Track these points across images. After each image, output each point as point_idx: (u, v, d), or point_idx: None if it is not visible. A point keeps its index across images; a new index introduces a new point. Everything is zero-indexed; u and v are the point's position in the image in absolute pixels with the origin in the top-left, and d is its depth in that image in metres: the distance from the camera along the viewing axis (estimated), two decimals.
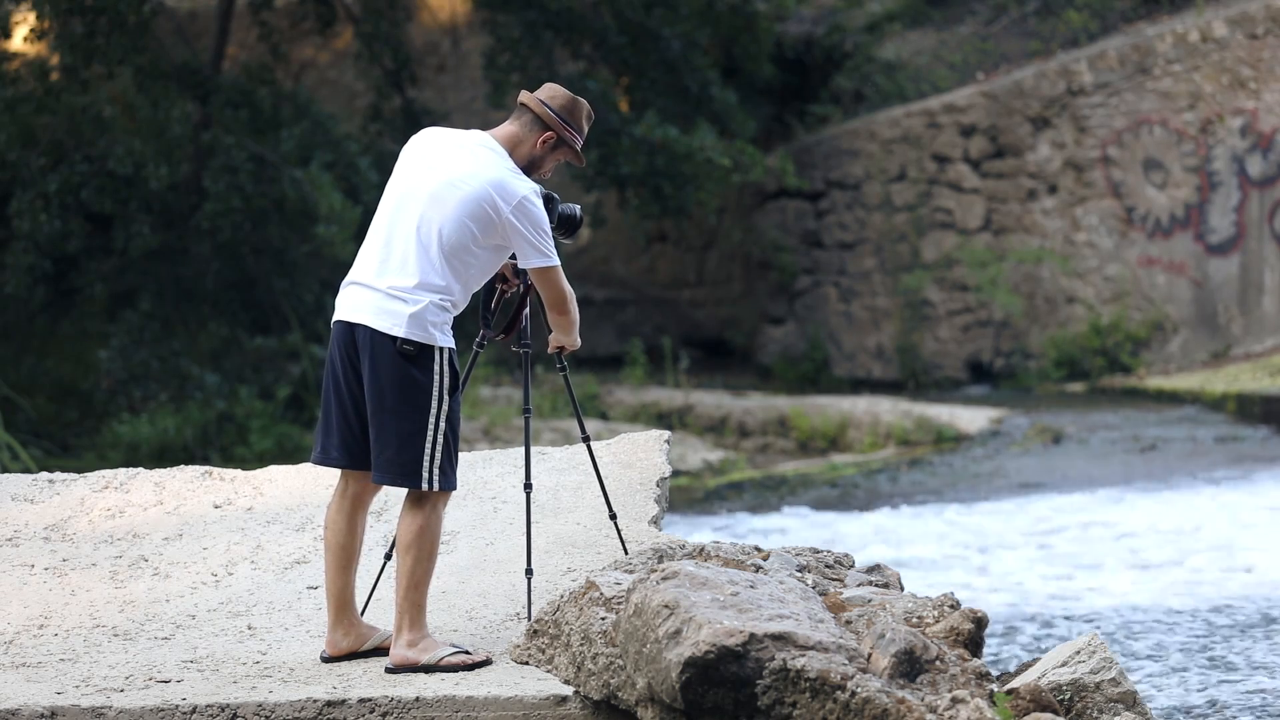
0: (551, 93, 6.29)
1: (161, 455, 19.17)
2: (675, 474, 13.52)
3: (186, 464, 8.43)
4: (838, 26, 26.51)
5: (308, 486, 7.95)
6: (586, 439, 6.88)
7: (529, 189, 6.12)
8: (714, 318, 27.13)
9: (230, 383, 21.13)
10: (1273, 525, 13.48)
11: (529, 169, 6.24)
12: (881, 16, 26.50)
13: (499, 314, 6.59)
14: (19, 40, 23.23)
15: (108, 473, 8.14)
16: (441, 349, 6.06)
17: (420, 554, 6.05)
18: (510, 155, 6.20)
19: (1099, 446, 17.99)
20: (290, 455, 18.61)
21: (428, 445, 6.03)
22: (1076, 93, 23.08)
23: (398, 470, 6.05)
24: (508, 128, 6.26)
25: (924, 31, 26.15)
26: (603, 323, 26.58)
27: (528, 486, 6.50)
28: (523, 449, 6.68)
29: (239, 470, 8.25)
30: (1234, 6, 22.92)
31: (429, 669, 5.98)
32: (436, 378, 6.05)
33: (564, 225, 6.56)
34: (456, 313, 6.13)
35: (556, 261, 6.16)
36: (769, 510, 15.70)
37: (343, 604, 6.19)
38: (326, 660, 6.16)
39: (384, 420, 6.04)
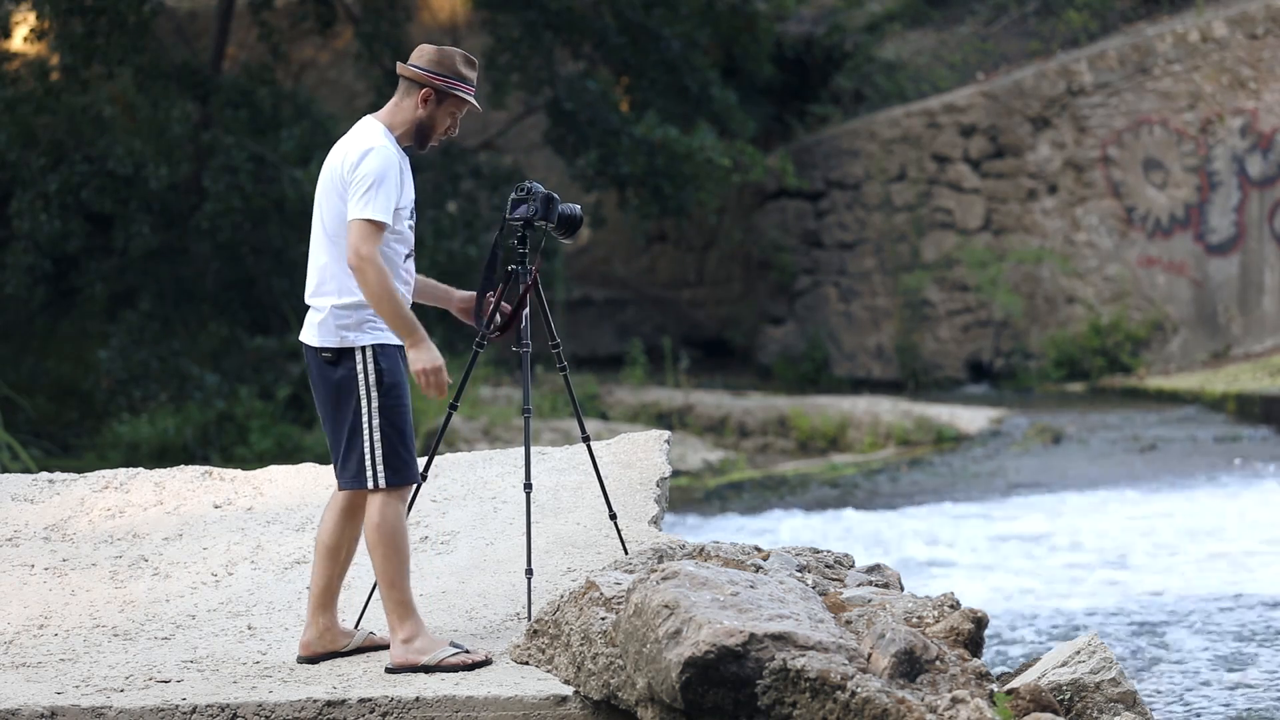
0: (419, 52, 6.22)
1: (161, 455, 19.18)
2: (675, 474, 13.53)
3: (186, 464, 8.43)
4: (838, 26, 26.51)
5: (308, 486, 7.95)
6: (586, 439, 6.86)
7: (377, 144, 6.03)
8: (714, 318, 27.13)
9: (230, 383, 21.13)
10: (1273, 525, 13.48)
11: (423, 132, 6.16)
12: (881, 16, 26.50)
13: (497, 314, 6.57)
14: (19, 40, 23.24)
15: (108, 473, 8.13)
16: (363, 348, 6.05)
17: (385, 551, 6.06)
18: (392, 126, 6.14)
19: (1099, 446, 17.98)
20: (290, 455, 18.61)
21: (366, 444, 6.04)
22: (1076, 93, 23.08)
23: (350, 475, 6.10)
24: (390, 102, 6.22)
25: (924, 31, 26.15)
26: (603, 323, 26.58)
27: (528, 486, 6.48)
28: (523, 449, 6.67)
29: (239, 470, 8.25)
30: (1234, 6, 22.92)
31: (429, 669, 5.98)
32: (361, 376, 6.05)
33: (564, 225, 6.55)
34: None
35: (373, 217, 5.93)
36: (769, 510, 15.70)
37: (319, 604, 6.20)
38: (300, 661, 6.16)
39: (329, 429, 6.14)
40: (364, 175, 5.98)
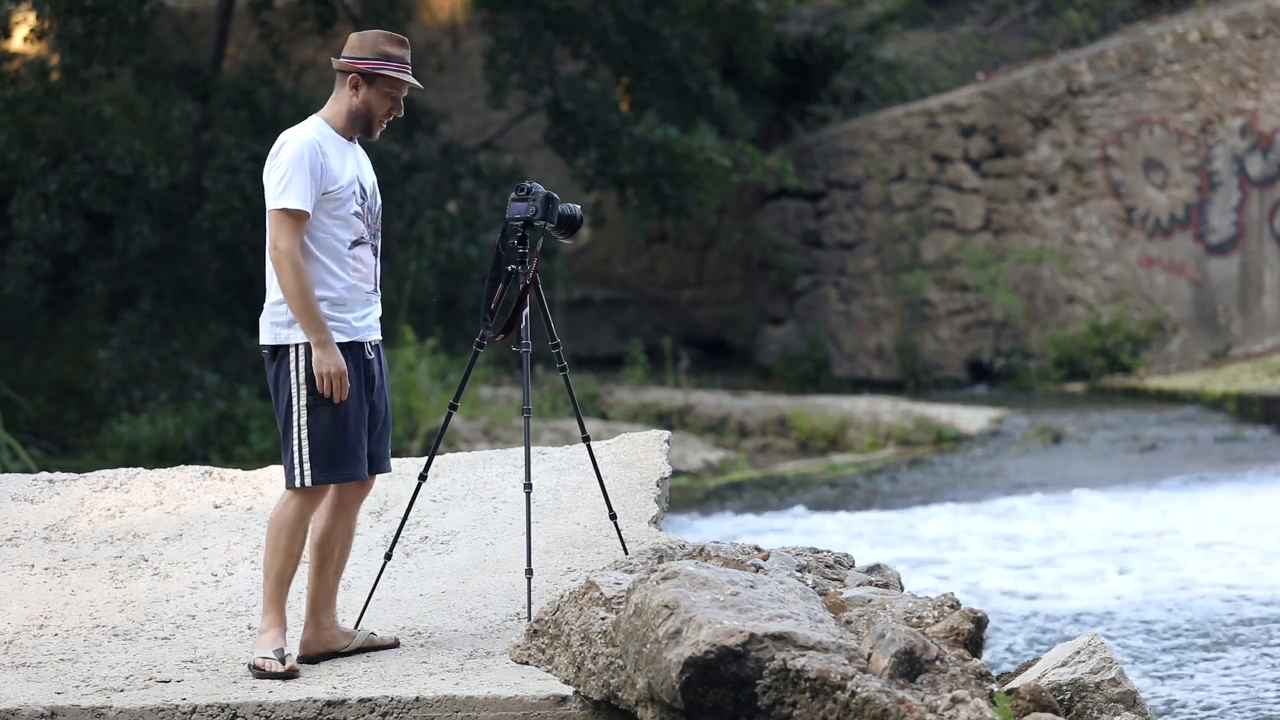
0: (347, 41, 6.27)
1: (161, 455, 19.17)
2: (675, 474, 13.51)
3: (186, 464, 8.43)
4: (838, 26, 26.50)
5: None
6: (586, 439, 6.86)
7: (293, 135, 6.08)
8: (714, 318, 27.13)
9: (230, 383, 21.13)
10: (1272, 525, 13.48)
11: (361, 118, 6.17)
12: (881, 16, 26.50)
13: (498, 314, 6.58)
14: (19, 40, 23.24)
15: (108, 473, 8.13)
16: (295, 345, 6.04)
17: (273, 545, 6.09)
18: (330, 118, 6.17)
19: (1099, 446, 17.98)
20: None
21: (294, 442, 6.05)
22: (1076, 93, 23.08)
23: (287, 470, 6.11)
24: (331, 97, 6.26)
25: (924, 31, 26.15)
26: (603, 323, 26.57)
27: (528, 486, 6.48)
28: (523, 449, 6.67)
29: (239, 470, 8.25)
30: (1234, 6, 22.92)
31: (250, 666, 6.04)
32: (293, 374, 6.05)
33: (564, 225, 6.55)
34: (325, 301, 6.05)
35: (286, 206, 5.98)
36: (769, 510, 15.69)
37: (314, 604, 6.21)
38: (300, 661, 6.15)
39: (279, 426, 6.16)
40: (277, 165, 6.04)
